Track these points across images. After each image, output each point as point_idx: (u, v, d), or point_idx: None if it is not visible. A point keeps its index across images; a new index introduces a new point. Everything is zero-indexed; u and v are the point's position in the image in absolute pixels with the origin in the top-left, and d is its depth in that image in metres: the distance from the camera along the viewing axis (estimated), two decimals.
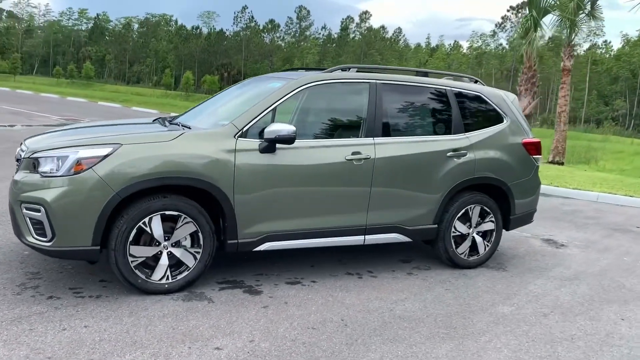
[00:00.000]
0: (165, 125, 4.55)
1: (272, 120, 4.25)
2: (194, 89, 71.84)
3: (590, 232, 7.19)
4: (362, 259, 5.12)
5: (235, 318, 3.62)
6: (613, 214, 8.64)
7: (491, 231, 5.18)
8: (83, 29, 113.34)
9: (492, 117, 5.22)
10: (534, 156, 5.35)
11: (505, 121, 5.25)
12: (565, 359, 3.42)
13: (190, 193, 3.99)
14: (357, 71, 4.74)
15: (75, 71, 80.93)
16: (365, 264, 4.99)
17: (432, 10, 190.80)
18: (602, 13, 14.62)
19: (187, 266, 3.99)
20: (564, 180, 11.22)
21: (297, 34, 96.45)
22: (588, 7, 14.12)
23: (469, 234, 5.05)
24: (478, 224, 5.09)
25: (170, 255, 3.93)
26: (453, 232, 4.95)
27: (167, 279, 3.93)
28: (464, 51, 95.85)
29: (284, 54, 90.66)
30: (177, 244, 3.94)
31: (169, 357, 3.05)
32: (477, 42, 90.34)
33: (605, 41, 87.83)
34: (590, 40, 77.48)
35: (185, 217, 3.90)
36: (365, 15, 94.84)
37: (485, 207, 5.08)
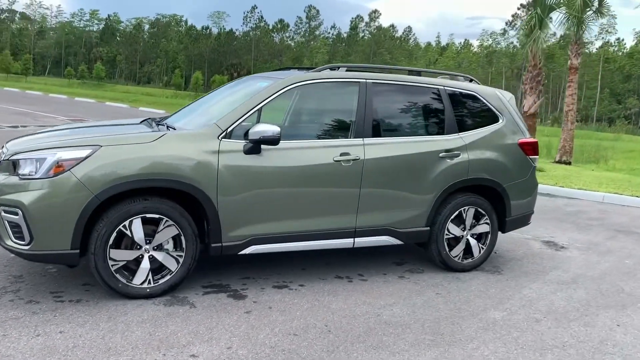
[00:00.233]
0: (152, 126, 4.48)
1: (258, 121, 4.17)
2: (204, 89, 72.07)
3: (593, 233, 7.03)
4: (354, 262, 5.02)
5: (215, 324, 3.54)
6: (618, 215, 8.46)
7: (486, 233, 5.05)
8: (94, 29, 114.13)
9: (487, 116, 5.10)
10: (530, 157, 5.21)
11: (500, 121, 5.13)
12: None
13: (173, 195, 3.92)
14: (346, 70, 4.64)
15: (87, 72, 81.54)
16: (356, 267, 4.89)
17: (443, 9, 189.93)
18: (612, 10, 14.42)
19: (170, 270, 3.91)
20: (570, 180, 11.03)
21: (306, 34, 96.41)
22: (595, 4, 13.90)
23: (462, 236, 4.93)
24: (472, 226, 4.97)
25: (152, 259, 3.85)
26: (446, 234, 4.84)
27: (149, 283, 3.85)
28: (475, 50, 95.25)
29: (294, 53, 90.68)
30: (159, 248, 3.86)
31: None
32: (488, 40, 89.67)
33: (618, 39, 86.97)
34: (603, 38, 76.72)
35: (167, 220, 3.82)
36: (374, 15, 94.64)
37: (479, 209, 4.96)
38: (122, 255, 3.76)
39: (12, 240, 3.66)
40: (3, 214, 3.64)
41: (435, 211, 4.76)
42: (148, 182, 3.73)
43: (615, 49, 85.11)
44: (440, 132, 4.85)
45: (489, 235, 5.06)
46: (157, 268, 3.89)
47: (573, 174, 12.06)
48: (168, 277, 3.91)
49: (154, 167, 3.73)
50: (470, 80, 5.31)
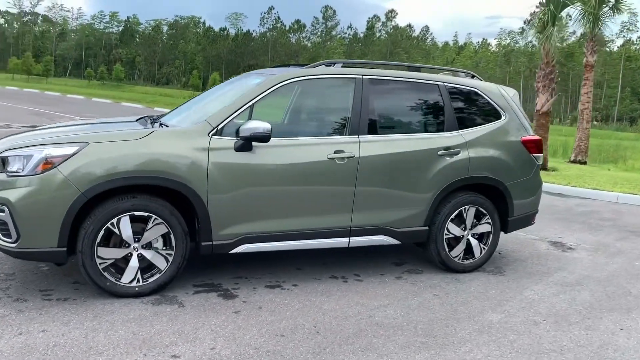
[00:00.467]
0: (145, 124, 4.44)
1: (250, 118, 4.09)
2: None
3: (603, 234, 6.83)
4: (351, 262, 4.92)
5: (202, 324, 3.47)
6: (631, 216, 8.23)
7: (488, 233, 4.92)
8: (114, 31, 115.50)
9: (489, 113, 4.96)
10: (534, 155, 5.06)
11: (503, 118, 4.99)
12: None
13: (163, 193, 3.86)
14: (342, 66, 4.55)
15: (106, 73, 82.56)
16: (353, 267, 4.79)
17: (462, 8, 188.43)
18: (633, 8, 14.07)
19: (159, 269, 3.86)
20: (583, 180, 10.79)
21: (323, 34, 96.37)
22: (612, 0, 13.59)
23: (463, 236, 4.81)
24: (473, 226, 4.84)
25: (141, 258, 3.80)
26: (446, 234, 4.72)
27: (138, 281, 3.81)
28: (493, 49, 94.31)
29: (310, 54, 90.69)
30: (148, 246, 3.81)
31: None
32: (506, 39, 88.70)
33: None
34: (624, 36, 75.37)
35: (155, 218, 3.77)
36: (391, 14, 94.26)
37: (480, 208, 4.82)
38: (110, 254, 3.72)
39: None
40: None
41: (434, 210, 4.64)
42: (136, 179, 3.68)
43: (638, 47, 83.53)
44: (440, 129, 4.73)
45: (491, 236, 4.92)
46: (147, 267, 3.84)
47: (587, 174, 11.80)
48: (157, 275, 3.86)
49: (142, 164, 3.68)
50: (472, 77, 5.18)
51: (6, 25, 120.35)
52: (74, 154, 3.58)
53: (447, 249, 4.74)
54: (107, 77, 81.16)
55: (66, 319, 3.41)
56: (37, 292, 3.80)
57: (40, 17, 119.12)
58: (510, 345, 3.47)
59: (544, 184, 9.98)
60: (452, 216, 4.72)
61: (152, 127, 4.21)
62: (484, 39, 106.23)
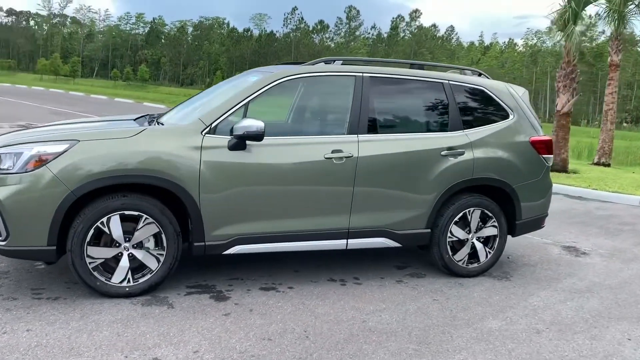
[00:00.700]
0: (142, 123, 4.39)
1: (245, 116, 4.01)
2: None
3: (620, 239, 6.58)
4: (351, 265, 4.80)
5: (189, 326, 3.40)
6: None
7: (494, 237, 4.75)
8: (140, 32, 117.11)
9: (496, 112, 4.80)
10: (544, 156, 4.88)
11: (511, 117, 4.81)
12: None
13: (155, 192, 3.81)
14: (342, 64, 4.44)
15: (132, 74, 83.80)
16: (353, 270, 4.67)
17: (489, 8, 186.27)
18: None
19: (150, 269, 3.80)
20: (605, 182, 10.46)
21: (346, 34, 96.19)
22: None
23: (467, 239, 4.65)
24: (478, 229, 4.68)
25: (132, 258, 3.75)
26: (449, 237, 4.57)
27: (128, 281, 3.75)
28: (520, 49, 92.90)
29: (333, 54, 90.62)
30: (139, 246, 3.76)
31: None
32: (533, 39, 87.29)
33: None
34: None
35: (146, 218, 3.71)
36: (415, 14, 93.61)
37: (486, 211, 4.66)
38: (100, 253, 3.67)
39: None
40: None
41: (437, 212, 4.49)
42: (125, 178, 3.63)
43: None
44: (443, 128, 4.59)
45: (497, 239, 4.75)
46: (138, 267, 3.79)
47: (609, 176, 11.44)
48: (148, 276, 3.80)
49: (132, 163, 3.63)
50: (479, 75, 5.02)
51: (36, 27, 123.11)
52: (64, 151, 3.54)
53: (450, 253, 4.59)
54: (132, 78, 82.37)
55: (52, 319, 3.37)
56: (28, 291, 3.78)
57: (69, 19, 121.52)
58: (508, 354, 3.32)
59: (563, 186, 9.82)
60: (456, 219, 4.56)
61: (147, 125, 4.16)
62: (510, 38, 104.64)
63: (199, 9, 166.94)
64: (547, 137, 4.93)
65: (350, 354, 3.19)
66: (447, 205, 4.54)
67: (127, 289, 3.75)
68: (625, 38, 13.25)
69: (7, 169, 3.56)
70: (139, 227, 3.72)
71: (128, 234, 3.72)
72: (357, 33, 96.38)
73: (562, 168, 11.63)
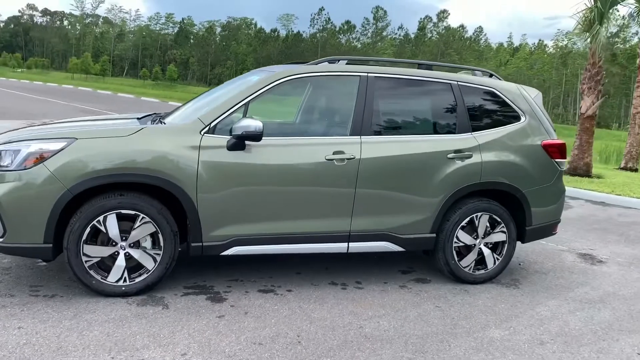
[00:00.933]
0: (145, 122, 4.38)
1: (245, 116, 3.96)
2: None
3: None
4: (355, 268, 4.71)
5: (181, 327, 3.36)
6: None
7: (502, 243, 4.60)
8: (169, 32, 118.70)
9: (506, 115, 4.65)
10: (556, 160, 4.71)
11: (522, 120, 4.66)
12: None
13: (154, 192, 3.78)
14: (347, 63, 4.35)
15: (160, 73, 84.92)
16: (356, 274, 4.58)
17: (520, 9, 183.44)
18: None
19: (147, 269, 3.78)
20: (629, 188, 10.12)
21: (373, 35, 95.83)
22: None
23: (474, 245, 4.51)
24: (486, 235, 4.54)
25: (128, 257, 3.73)
26: (455, 242, 4.44)
27: (125, 281, 3.73)
28: (550, 51, 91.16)
29: (359, 54, 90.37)
30: (135, 245, 3.74)
31: None
32: (563, 40, 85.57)
33: None
34: None
35: (143, 217, 3.69)
36: (443, 15, 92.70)
37: (494, 216, 4.52)
38: (96, 252, 3.66)
39: None
40: None
41: (442, 217, 4.37)
42: (122, 176, 3.61)
43: None
44: (451, 131, 4.46)
45: (506, 245, 4.61)
46: (134, 266, 3.77)
47: (636, 182, 11.07)
48: (145, 275, 3.78)
49: (129, 161, 3.61)
50: (490, 76, 4.88)
51: (69, 27, 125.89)
52: (61, 149, 3.54)
53: (456, 258, 4.46)
54: (161, 77, 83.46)
55: (45, 317, 3.36)
56: (27, 288, 3.79)
57: (101, 19, 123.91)
58: None
59: (585, 191, 9.54)
60: (463, 223, 4.43)
61: (141, 123, 4.13)
62: (540, 40, 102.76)
63: (227, 9, 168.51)
64: (560, 141, 4.76)
65: None
66: (454, 210, 4.41)
67: (123, 288, 3.73)
68: None
69: (6, 166, 3.57)
70: (136, 226, 3.70)
71: (125, 233, 3.70)
72: (384, 33, 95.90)
73: (586, 172, 11.31)
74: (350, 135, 4.15)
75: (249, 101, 3.97)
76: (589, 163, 11.43)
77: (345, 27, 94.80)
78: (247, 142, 3.84)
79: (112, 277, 3.71)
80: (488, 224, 4.53)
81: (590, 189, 9.85)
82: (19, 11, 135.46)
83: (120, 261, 3.71)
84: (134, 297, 3.75)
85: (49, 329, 3.21)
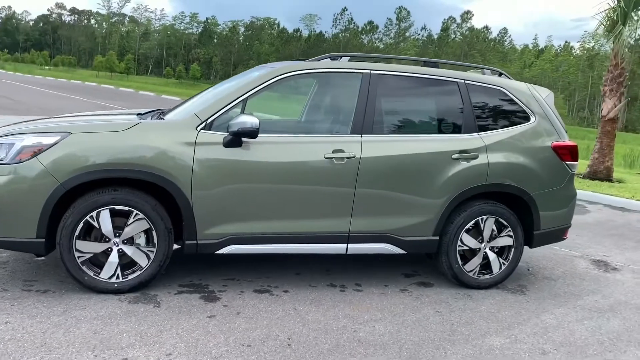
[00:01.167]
0: (145, 118, 4.33)
1: (242, 112, 3.88)
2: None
3: None
4: (357, 270, 4.60)
5: (169, 327, 3.30)
6: None
7: (509, 247, 4.45)
8: (193, 32, 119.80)
9: (515, 115, 4.49)
10: (567, 162, 4.53)
11: (532, 120, 4.50)
12: None
13: (149, 188, 3.73)
14: (349, 60, 4.25)
15: (184, 72, 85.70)
16: (357, 275, 4.47)
17: (547, 10, 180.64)
18: None
19: (140, 266, 3.73)
20: None
21: (396, 35, 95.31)
22: None
23: (479, 249, 4.37)
24: (492, 239, 4.39)
25: (122, 253, 3.68)
26: (459, 246, 4.30)
27: (117, 278, 3.69)
28: (576, 52, 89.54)
29: (382, 54, 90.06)
30: (129, 242, 3.69)
31: None
32: (590, 42, 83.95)
33: None
34: None
35: (137, 213, 3.64)
36: (467, 15, 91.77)
37: (501, 219, 4.37)
38: (88, 247, 3.62)
39: None
40: None
41: (446, 219, 4.24)
42: (115, 172, 3.56)
43: None
44: (456, 130, 4.33)
45: (512, 250, 4.45)
46: (128, 263, 3.72)
47: None
48: (138, 272, 3.72)
49: (122, 156, 3.56)
50: (500, 74, 4.72)
51: (96, 25, 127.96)
52: (55, 143, 3.51)
53: (460, 262, 4.33)
54: (184, 76, 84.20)
55: (35, 312, 3.33)
56: (20, 283, 3.77)
57: (127, 18, 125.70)
58: None
59: (604, 196, 9.27)
60: (468, 226, 4.29)
61: (139, 118, 4.08)
62: (566, 42, 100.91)
63: (251, 9, 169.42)
64: (571, 143, 4.58)
65: None
66: (458, 212, 4.27)
67: (115, 285, 3.68)
68: None
69: (1, 160, 3.55)
70: (129, 222, 3.65)
71: (119, 229, 3.66)
72: (407, 34, 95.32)
73: (606, 177, 11.01)
74: (351, 133, 4.04)
75: (247, 97, 3.90)
76: (610, 167, 11.12)
77: (368, 27, 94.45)
78: (243, 139, 3.76)
79: (105, 274, 3.67)
80: (494, 228, 4.38)
81: (610, 193, 9.57)
82: (48, 10, 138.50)
83: (113, 258, 3.67)
84: (127, 294, 3.70)
85: (36, 324, 3.17)
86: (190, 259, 4.43)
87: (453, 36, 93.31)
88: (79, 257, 3.60)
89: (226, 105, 3.85)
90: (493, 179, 4.28)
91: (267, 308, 3.70)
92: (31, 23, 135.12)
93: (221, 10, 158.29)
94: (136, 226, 3.66)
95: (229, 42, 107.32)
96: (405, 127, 4.32)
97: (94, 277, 3.65)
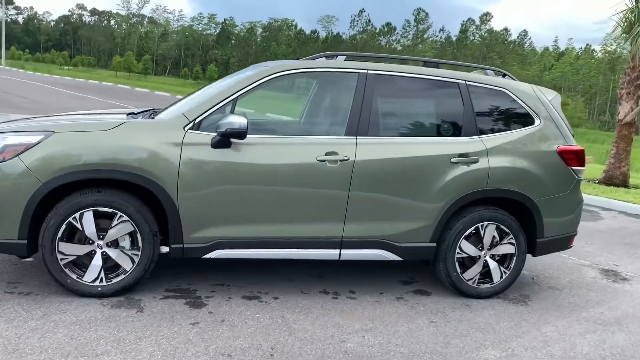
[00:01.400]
0: (135, 117, 4.24)
1: (232, 112, 3.77)
2: None
3: None
4: (352, 277, 4.46)
5: (149, 333, 3.19)
6: None
7: (510, 255, 4.27)
8: (211, 33, 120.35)
9: (519, 117, 4.32)
10: (573, 167, 4.34)
11: (536, 123, 4.32)
12: None
13: (134, 189, 3.63)
14: (345, 59, 4.11)
15: (201, 73, 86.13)
16: (352, 282, 4.33)
17: (568, 13, 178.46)
18: None
19: (124, 269, 3.63)
20: None
21: (414, 37, 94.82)
22: None
23: (479, 256, 4.20)
24: (493, 246, 4.22)
25: (106, 256, 3.59)
26: (458, 253, 4.13)
27: (101, 281, 3.59)
28: (598, 55, 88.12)
29: (400, 54, 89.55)
30: (113, 244, 3.59)
31: None
32: (612, 45, 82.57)
33: None
34: None
35: (121, 215, 3.54)
36: (486, 17, 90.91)
37: (502, 226, 4.19)
38: (71, 250, 3.53)
39: None
40: None
41: (444, 225, 4.08)
42: (98, 172, 3.47)
43: None
44: (456, 133, 4.16)
45: (514, 258, 4.27)
46: (112, 266, 3.63)
47: None
48: (122, 276, 3.63)
49: (106, 156, 3.46)
50: (504, 75, 4.55)
51: (116, 26, 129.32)
52: (38, 143, 3.43)
53: (459, 270, 4.16)
54: (201, 77, 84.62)
55: (13, 316, 3.25)
56: (4, 285, 3.70)
57: (146, 19, 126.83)
58: None
59: (620, 202, 8.99)
60: (467, 233, 4.13)
61: (128, 117, 3.99)
62: (587, 44, 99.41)
63: (269, 11, 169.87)
64: (577, 147, 4.39)
65: None
66: (457, 218, 4.11)
67: (99, 289, 3.59)
68: None
69: None
70: (113, 224, 3.55)
71: (105, 231, 3.56)
72: (425, 36, 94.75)
73: (622, 182, 10.69)
74: (346, 135, 3.90)
75: (237, 97, 3.79)
76: (626, 172, 10.80)
77: (386, 29, 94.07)
78: (233, 140, 3.64)
79: (88, 277, 3.58)
80: (495, 235, 4.21)
81: (626, 200, 9.28)
82: (69, 11, 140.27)
83: (97, 260, 3.57)
84: (110, 298, 3.60)
85: (11, 329, 3.09)
86: (181, 263, 4.32)
87: (472, 38, 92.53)
88: (61, 260, 3.51)
89: (215, 105, 3.73)
90: (494, 184, 4.11)
91: (253, 315, 3.58)
92: (52, 23, 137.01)
93: (239, 11, 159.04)
94: (120, 229, 3.56)
95: (246, 43, 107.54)
96: (403, 129, 4.16)
97: (77, 280, 3.56)
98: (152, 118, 4.05)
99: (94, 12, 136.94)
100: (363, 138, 3.90)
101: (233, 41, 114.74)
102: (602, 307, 4.35)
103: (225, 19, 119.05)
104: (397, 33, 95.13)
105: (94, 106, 19.65)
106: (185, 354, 2.99)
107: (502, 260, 4.29)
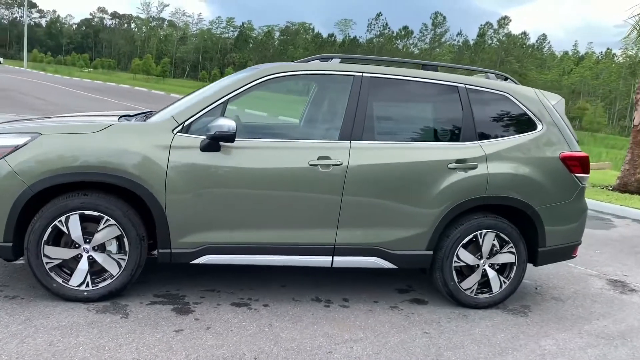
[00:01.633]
0: (127, 119, 4.19)
1: (223, 115, 3.69)
2: None
3: None
4: (346, 283, 4.35)
5: (131, 340, 3.12)
6: None
7: (510, 265, 4.14)
8: (230, 36, 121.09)
9: (521, 122, 4.18)
10: (577, 174, 4.19)
11: (539, 128, 4.18)
12: None
13: (121, 193, 3.57)
14: (340, 62, 4.02)
15: (219, 76, 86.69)
16: (346, 290, 4.22)
17: (589, 16, 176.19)
18: None
19: (111, 274, 3.57)
20: None
21: (431, 41, 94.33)
22: None
23: (478, 265, 4.07)
24: (492, 255, 4.08)
25: (92, 261, 3.53)
26: (455, 262, 4.01)
27: (87, 285, 3.54)
28: (619, 59, 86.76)
29: (416, 59, 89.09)
30: (100, 248, 3.54)
31: None
32: (632, 49, 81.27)
33: None
34: None
35: (108, 219, 3.48)
36: (504, 21, 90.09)
37: (502, 235, 4.06)
38: (57, 253, 3.48)
39: None
40: None
41: (441, 233, 3.95)
42: (84, 175, 3.41)
43: None
44: (454, 138, 4.04)
45: (514, 268, 4.13)
46: (98, 271, 3.57)
47: None
48: (109, 281, 3.57)
49: (90, 159, 3.40)
50: (506, 79, 4.41)
51: (136, 29, 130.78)
52: (24, 145, 3.39)
53: (456, 279, 4.03)
54: (218, 80, 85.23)
55: None
56: None
57: (165, 22, 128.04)
58: None
59: (634, 210, 8.74)
60: (465, 241, 4.00)
61: (120, 121, 3.93)
62: (608, 48, 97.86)
63: (287, 14, 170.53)
64: (581, 153, 4.23)
65: None
66: (454, 226, 3.98)
67: (85, 293, 3.53)
68: None
69: None
70: (100, 228, 3.50)
71: (89, 235, 3.51)
72: (443, 40, 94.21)
73: (637, 189, 10.42)
74: (340, 139, 3.81)
75: (227, 100, 3.71)
76: None
77: (403, 32, 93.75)
78: (222, 144, 3.57)
79: (74, 281, 3.52)
80: (495, 243, 4.07)
81: (639, 207, 9.03)
82: (91, 14, 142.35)
83: (83, 265, 3.52)
84: (96, 303, 3.54)
85: None
86: (172, 268, 4.25)
87: (490, 42, 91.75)
88: (47, 263, 3.47)
89: (205, 108, 3.66)
90: (493, 190, 3.97)
91: (240, 323, 3.49)
92: (74, 26, 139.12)
93: (257, 15, 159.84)
94: (107, 233, 3.51)
95: (264, 47, 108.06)
96: (398, 133, 4.05)
97: (63, 284, 3.51)
98: (145, 121, 3.99)
99: (114, 15, 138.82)
100: (357, 142, 3.80)
101: (251, 44, 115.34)
102: (606, 319, 4.19)
103: (243, 23, 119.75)
104: (415, 37, 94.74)
105: (109, 108, 19.80)
106: None
107: (502, 269, 4.16)
